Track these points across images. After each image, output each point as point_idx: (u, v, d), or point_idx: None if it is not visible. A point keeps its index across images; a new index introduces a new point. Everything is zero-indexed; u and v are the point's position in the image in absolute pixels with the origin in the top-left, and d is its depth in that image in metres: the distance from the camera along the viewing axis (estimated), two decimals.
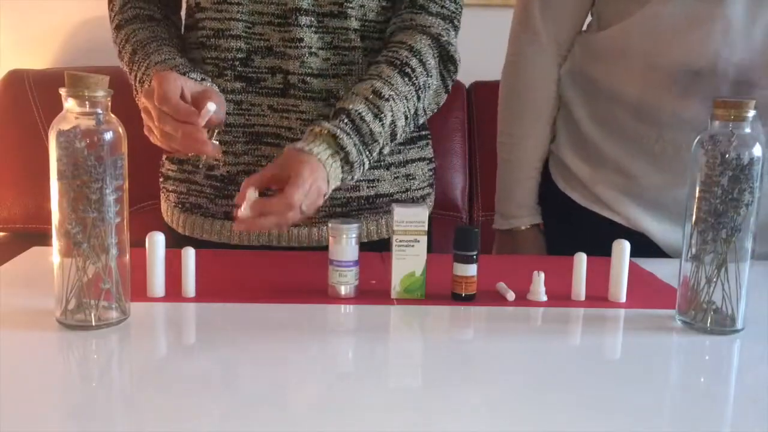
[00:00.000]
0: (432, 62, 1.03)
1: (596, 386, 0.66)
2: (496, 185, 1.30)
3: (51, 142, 0.72)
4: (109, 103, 0.73)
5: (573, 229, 1.23)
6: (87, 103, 0.72)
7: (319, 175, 0.89)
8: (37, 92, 1.84)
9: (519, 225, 1.26)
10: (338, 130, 0.92)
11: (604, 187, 1.18)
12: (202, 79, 0.96)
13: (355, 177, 0.96)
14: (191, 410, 0.59)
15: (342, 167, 0.93)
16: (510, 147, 1.26)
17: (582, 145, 1.20)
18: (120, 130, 0.74)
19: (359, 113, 0.95)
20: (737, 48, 1.03)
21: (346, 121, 0.94)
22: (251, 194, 0.85)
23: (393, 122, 0.98)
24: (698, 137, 0.80)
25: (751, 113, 0.77)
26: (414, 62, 1.01)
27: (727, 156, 0.77)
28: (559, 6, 1.20)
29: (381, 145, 0.99)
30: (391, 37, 1.05)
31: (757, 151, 0.77)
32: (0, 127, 1.84)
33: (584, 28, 1.23)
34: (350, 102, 0.96)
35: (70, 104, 0.72)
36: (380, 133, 0.97)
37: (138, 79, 1.00)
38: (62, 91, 0.71)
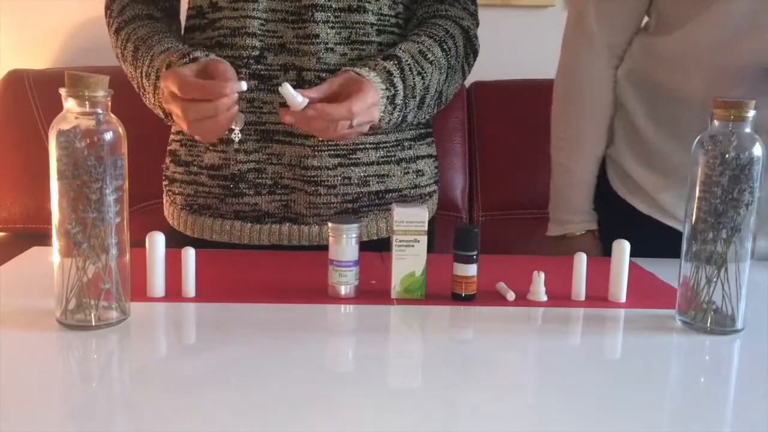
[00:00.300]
0: (461, 49, 1.09)
1: (596, 386, 0.66)
2: (551, 191, 1.27)
3: (51, 142, 0.72)
4: (109, 103, 0.73)
5: (634, 235, 1.20)
6: (87, 103, 0.72)
7: (378, 101, 0.94)
8: (37, 92, 1.85)
9: (574, 231, 1.24)
10: (393, 69, 0.98)
11: (667, 194, 1.15)
12: (207, 55, 0.97)
13: (391, 122, 1.00)
14: (191, 410, 0.59)
15: (386, 106, 0.97)
16: (565, 151, 1.24)
17: (643, 150, 1.18)
18: (120, 130, 0.74)
19: (408, 64, 1.00)
20: None
21: (397, 66, 0.99)
22: (287, 88, 0.87)
23: (427, 87, 1.03)
24: (698, 137, 0.80)
25: (751, 113, 0.77)
26: (450, 42, 1.06)
27: (727, 156, 0.77)
28: (615, 8, 1.18)
29: (415, 104, 1.02)
30: (424, 21, 1.09)
31: (757, 151, 0.77)
32: (0, 127, 1.85)
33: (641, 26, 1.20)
34: (399, 52, 1.01)
35: (70, 104, 0.72)
36: (419, 90, 1.02)
37: (144, 73, 1.00)
38: (62, 91, 0.71)
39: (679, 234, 1.12)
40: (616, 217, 1.23)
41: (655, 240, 1.04)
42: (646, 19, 1.20)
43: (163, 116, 1.02)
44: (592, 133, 1.22)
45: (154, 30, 1.04)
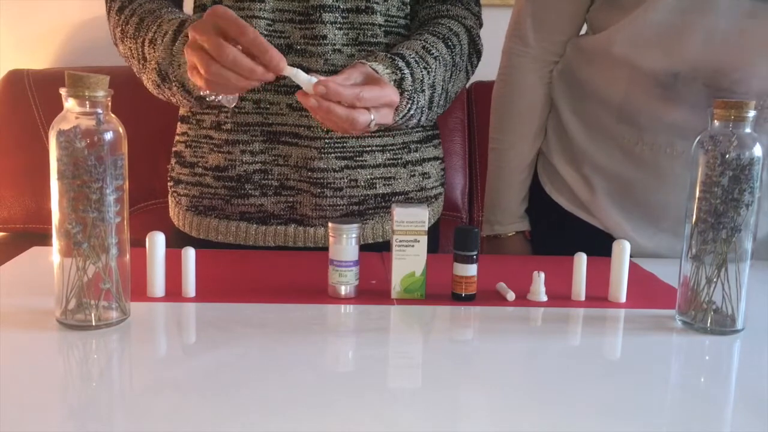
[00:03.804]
0: (465, 48, 1.08)
1: (596, 386, 0.66)
2: (485, 192, 1.31)
3: (51, 142, 0.72)
4: (110, 103, 0.73)
5: (558, 233, 1.23)
6: (87, 103, 0.72)
7: (396, 102, 0.91)
8: (37, 92, 1.84)
9: (503, 232, 1.27)
10: (397, 58, 0.96)
11: (589, 193, 1.19)
12: None
13: (400, 113, 0.96)
14: (191, 410, 0.59)
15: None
16: (498, 154, 1.28)
17: (569, 148, 1.21)
18: (120, 130, 0.74)
19: (413, 58, 0.98)
20: (716, 55, 1.04)
21: (402, 58, 0.97)
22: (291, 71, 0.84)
23: (433, 84, 1.01)
24: (698, 137, 0.80)
25: (751, 113, 0.77)
26: (454, 40, 1.05)
27: (727, 156, 0.77)
28: (551, 19, 1.21)
29: (425, 99, 1.00)
30: (426, 22, 1.09)
31: (757, 151, 0.77)
32: (0, 127, 1.84)
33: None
34: (402, 49, 0.99)
35: (70, 104, 0.72)
36: (427, 85, 0.99)
37: (148, 40, 0.97)
38: (62, 91, 0.71)
39: (601, 233, 1.17)
40: (543, 214, 1.27)
41: (578, 238, 1.06)
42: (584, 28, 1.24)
43: (159, 82, 0.98)
44: (522, 137, 1.26)
45: (163, 4, 1.01)
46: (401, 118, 0.98)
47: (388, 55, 0.96)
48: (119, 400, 0.62)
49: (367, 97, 0.85)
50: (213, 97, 0.92)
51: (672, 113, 1.08)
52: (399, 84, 0.95)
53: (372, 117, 0.87)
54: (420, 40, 1.02)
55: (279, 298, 0.86)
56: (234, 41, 0.82)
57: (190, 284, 0.85)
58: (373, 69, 0.92)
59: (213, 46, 0.81)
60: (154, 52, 0.96)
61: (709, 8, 1.03)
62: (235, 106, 0.99)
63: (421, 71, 0.98)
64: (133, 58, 1.02)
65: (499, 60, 1.28)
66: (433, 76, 1.01)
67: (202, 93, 0.92)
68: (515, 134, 1.26)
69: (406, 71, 0.96)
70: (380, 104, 0.88)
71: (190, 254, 0.85)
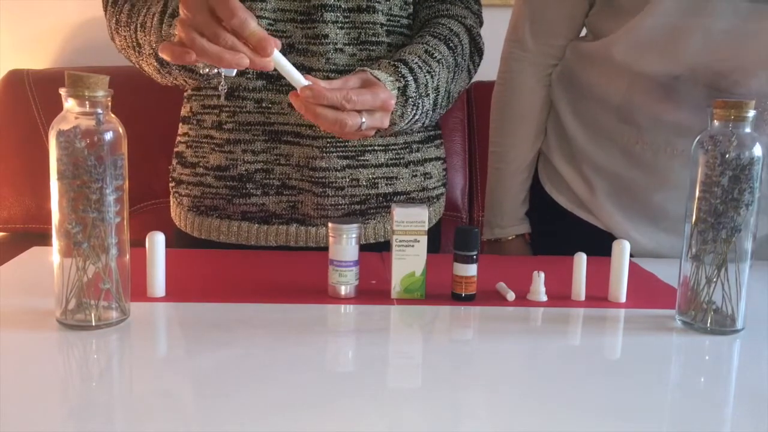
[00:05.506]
0: (467, 48, 1.08)
1: (596, 386, 0.66)
2: (485, 195, 1.31)
3: (51, 142, 0.72)
4: (109, 103, 0.73)
5: (558, 233, 1.23)
6: (87, 103, 0.72)
7: (391, 106, 0.89)
8: (37, 92, 1.84)
9: (504, 235, 1.28)
10: (400, 65, 0.95)
11: (588, 192, 1.19)
12: None
13: (405, 117, 0.96)
14: (191, 410, 0.59)
15: (397, 98, 0.94)
16: (497, 157, 1.28)
17: (568, 148, 1.22)
18: (120, 130, 0.74)
19: (417, 63, 0.98)
20: (716, 57, 1.04)
21: (405, 65, 0.96)
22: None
23: (437, 87, 1.01)
24: (698, 137, 0.80)
25: (751, 113, 0.77)
26: (456, 40, 1.05)
27: (727, 156, 0.77)
28: (549, 22, 1.22)
29: (429, 103, 1.00)
30: (426, 22, 1.08)
31: (757, 151, 0.77)
32: (0, 127, 1.84)
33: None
34: (406, 55, 0.99)
35: (70, 104, 0.72)
36: (431, 89, 0.99)
37: (140, 24, 0.95)
38: (62, 91, 0.71)
39: (602, 232, 1.17)
40: (544, 213, 1.27)
41: (579, 237, 1.06)
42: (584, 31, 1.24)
43: (159, 67, 0.96)
44: (522, 140, 1.26)
45: None
46: (406, 124, 0.98)
47: (392, 63, 0.96)
48: (119, 400, 0.62)
49: (356, 100, 0.84)
50: (213, 70, 0.87)
51: (672, 113, 1.08)
52: (403, 91, 0.94)
53: (363, 120, 0.85)
54: (422, 44, 1.02)
55: (279, 298, 0.86)
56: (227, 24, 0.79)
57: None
58: (375, 76, 0.91)
59: (202, 23, 0.78)
60: (146, 36, 0.95)
61: (707, 10, 1.03)
62: (232, 80, 0.95)
63: (425, 76, 0.98)
64: (129, 47, 1.00)
65: (499, 60, 1.28)
66: (437, 79, 1.01)
67: (200, 69, 0.87)
68: (515, 137, 1.26)
69: (410, 78, 0.96)
70: (372, 107, 0.86)
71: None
